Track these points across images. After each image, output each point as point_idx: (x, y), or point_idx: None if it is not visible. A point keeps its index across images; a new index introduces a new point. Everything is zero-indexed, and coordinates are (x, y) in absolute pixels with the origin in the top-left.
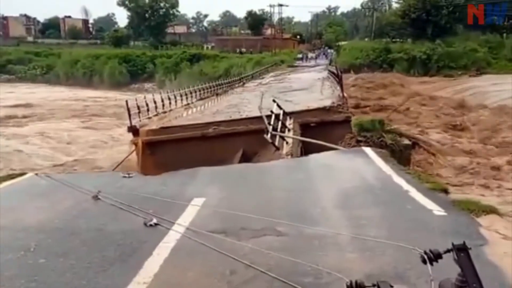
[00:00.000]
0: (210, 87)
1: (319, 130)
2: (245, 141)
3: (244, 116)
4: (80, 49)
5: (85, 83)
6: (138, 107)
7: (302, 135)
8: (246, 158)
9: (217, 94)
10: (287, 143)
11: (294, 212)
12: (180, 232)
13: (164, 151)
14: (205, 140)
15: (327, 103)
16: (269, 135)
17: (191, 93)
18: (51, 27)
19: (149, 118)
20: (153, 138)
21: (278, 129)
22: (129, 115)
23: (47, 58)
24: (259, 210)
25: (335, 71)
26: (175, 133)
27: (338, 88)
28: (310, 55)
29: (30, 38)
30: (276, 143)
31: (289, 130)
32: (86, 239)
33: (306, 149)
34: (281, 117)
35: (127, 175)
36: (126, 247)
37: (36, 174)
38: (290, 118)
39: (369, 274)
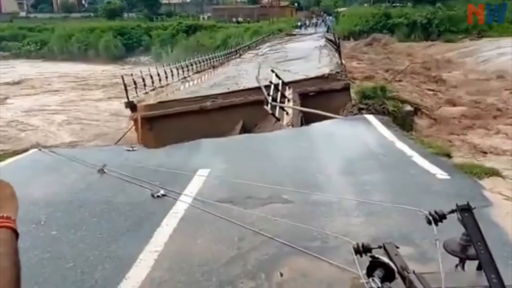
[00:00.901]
0: (206, 60)
1: (318, 99)
2: (244, 113)
3: (242, 88)
4: (73, 23)
5: (80, 58)
6: (135, 82)
7: (301, 105)
8: (246, 130)
9: (213, 67)
10: (287, 113)
11: (299, 180)
12: (187, 203)
13: (163, 125)
14: (203, 114)
15: (326, 71)
16: (269, 106)
17: (187, 66)
18: (43, 1)
19: (146, 93)
20: (151, 113)
21: (278, 100)
22: (126, 90)
23: (41, 33)
24: (265, 179)
25: (332, 39)
26: (173, 107)
27: (337, 55)
28: (308, 22)
29: (23, 14)
30: (277, 114)
31: (288, 100)
32: (95, 211)
33: (307, 119)
34: (280, 87)
35: (130, 149)
36: (135, 218)
37: (40, 149)
38: (289, 88)
39: (375, 237)
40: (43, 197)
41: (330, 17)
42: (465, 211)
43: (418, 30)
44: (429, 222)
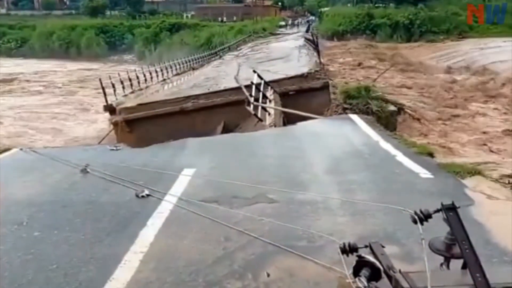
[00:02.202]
0: (186, 62)
1: (299, 98)
2: (225, 113)
3: (222, 88)
4: (55, 20)
5: (62, 55)
6: (113, 85)
7: (282, 105)
8: (228, 130)
9: (193, 69)
10: (269, 114)
11: (285, 179)
12: (172, 202)
13: (143, 128)
14: (184, 115)
15: (305, 70)
16: (251, 106)
17: (166, 68)
18: None
19: (125, 95)
20: (131, 116)
21: (260, 100)
22: (104, 94)
23: (22, 31)
24: (250, 178)
25: (311, 38)
26: (153, 109)
27: (315, 54)
28: (292, 22)
29: (3, 11)
30: (259, 114)
31: (270, 101)
32: (79, 211)
33: (288, 119)
34: (262, 87)
35: (114, 148)
36: (120, 218)
37: (21, 149)
38: (271, 88)
39: (361, 236)
40: (25, 198)
41: (313, 17)
42: (450, 210)
43: (400, 30)
44: (415, 222)
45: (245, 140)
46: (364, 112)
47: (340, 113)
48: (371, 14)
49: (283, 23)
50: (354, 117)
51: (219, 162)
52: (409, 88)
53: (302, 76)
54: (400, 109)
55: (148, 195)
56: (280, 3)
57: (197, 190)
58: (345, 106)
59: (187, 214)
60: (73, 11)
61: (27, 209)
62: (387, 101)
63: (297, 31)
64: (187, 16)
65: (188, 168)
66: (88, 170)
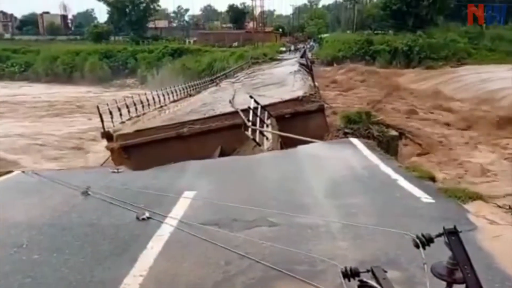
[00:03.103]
0: (183, 88)
1: (294, 121)
2: (222, 138)
3: (218, 113)
4: (59, 45)
5: (66, 80)
6: (111, 112)
7: (279, 129)
8: (225, 155)
9: (190, 95)
10: (267, 138)
11: (285, 202)
12: (173, 225)
13: (140, 154)
14: (181, 140)
15: (300, 93)
16: (249, 130)
17: (163, 95)
18: (29, 23)
19: (123, 122)
20: (128, 142)
21: (257, 124)
22: (102, 121)
23: (26, 55)
24: (251, 201)
25: (305, 63)
26: (150, 135)
27: (310, 78)
28: (293, 48)
29: (7, 35)
30: (257, 139)
31: (267, 125)
32: (79, 234)
33: (286, 143)
34: (259, 112)
35: (116, 170)
36: (120, 241)
37: (23, 171)
38: (268, 113)
39: (362, 260)
40: (26, 220)
41: (313, 43)
42: (452, 234)
43: (399, 57)
44: (417, 246)
45: (245, 163)
46: (365, 136)
47: (341, 137)
48: (371, 40)
49: (283, 48)
50: (355, 140)
51: (220, 184)
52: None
53: (297, 100)
54: (401, 134)
55: (148, 218)
56: (280, 29)
57: (198, 213)
58: (346, 130)
59: (187, 237)
60: (78, 37)
61: (27, 232)
62: (387, 126)
63: (295, 57)
64: (189, 42)
65: (189, 190)
66: (89, 192)
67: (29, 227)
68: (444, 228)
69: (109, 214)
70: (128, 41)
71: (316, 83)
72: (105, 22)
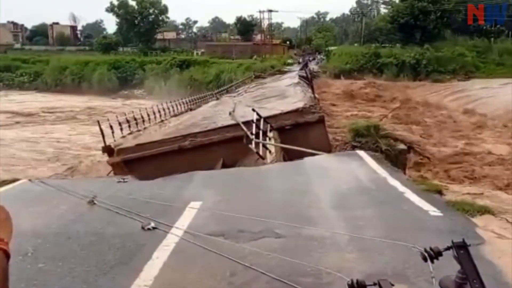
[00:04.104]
0: (183, 103)
1: (295, 132)
2: (224, 150)
3: (220, 125)
4: (68, 56)
5: (74, 90)
6: (111, 127)
7: (281, 141)
8: (227, 167)
9: (190, 109)
10: (270, 152)
11: (291, 214)
12: (178, 236)
13: (142, 168)
14: (183, 153)
15: (300, 105)
16: (253, 143)
17: (163, 110)
18: (39, 33)
19: (124, 137)
20: (129, 156)
21: (260, 137)
22: (103, 136)
23: (35, 65)
24: (257, 212)
25: (305, 75)
26: (151, 149)
27: (309, 90)
28: (300, 60)
29: (17, 45)
30: (260, 152)
31: (269, 138)
32: (84, 243)
33: (289, 155)
34: (261, 125)
35: (122, 180)
36: (125, 250)
37: (30, 180)
38: (269, 125)
39: (369, 273)
40: (31, 228)
41: (321, 56)
42: (461, 248)
43: (407, 70)
44: (425, 259)
45: (252, 174)
46: (373, 150)
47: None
48: (378, 53)
49: (291, 61)
50: (362, 153)
51: (226, 195)
52: None
53: (297, 111)
54: (410, 147)
55: (154, 228)
56: (288, 42)
57: (203, 223)
58: (354, 144)
59: (193, 248)
60: (87, 47)
61: (32, 240)
62: (396, 139)
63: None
64: (197, 53)
65: (195, 201)
66: (95, 201)
67: (34, 236)
68: (452, 241)
69: (115, 223)
70: (136, 52)
71: (317, 95)
72: (114, 33)
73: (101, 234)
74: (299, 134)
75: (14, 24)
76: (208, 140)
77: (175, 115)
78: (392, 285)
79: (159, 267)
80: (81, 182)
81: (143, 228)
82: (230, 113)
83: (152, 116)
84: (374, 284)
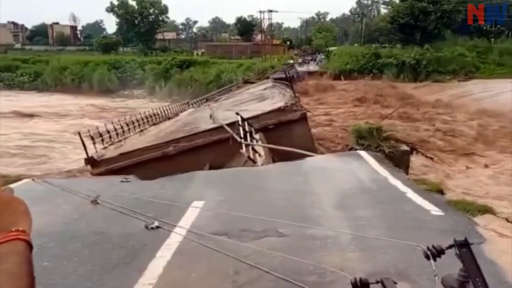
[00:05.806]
0: (160, 113)
1: (278, 131)
2: (209, 154)
3: (203, 129)
4: (68, 56)
5: (74, 90)
6: (92, 138)
7: (266, 142)
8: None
9: (168, 118)
10: (259, 155)
11: (294, 213)
12: (182, 235)
13: None
14: (168, 159)
15: (281, 104)
16: (243, 147)
17: (142, 119)
18: (39, 33)
19: (105, 148)
20: (114, 166)
21: (248, 139)
22: (85, 147)
23: (35, 65)
24: (259, 212)
25: (283, 76)
26: (135, 157)
27: (289, 90)
28: (300, 60)
29: (18, 45)
30: (251, 155)
31: (257, 140)
32: (88, 242)
33: (278, 157)
34: (246, 127)
35: (125, 180)
36: (129, 249)
37: (33, 179)
38: (255, 128)
39: (372, 272)
40: (35, 228)
41: (320, 56)
42: (463, 246)
43: (407, 70)
44: (427, 257)
45: (252, 174)
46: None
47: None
48: (378, 53)
49: (291, 61)
50: (363, 153)
51: (228, 195)
52: None
53: (279, 110)
54: (413, 148)
55: (157, 227)
56: (288, 42)
57: (207, 223)
58: (356, 147)
59: (196, 247)
60: (87, 47)
61: (36, 239)
62: (397, 140)
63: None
64: (197, 54)
65: (198, 200)
66: (99, 201)
67: (38, 235)
68: (454, 240)
69: (118, 222)
70: (136, 52)
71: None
72: (114, 33)
73: (104, 233)
74: (282, 133)
75: (14, 24)
76: (192, 144)
77: (154, 124)
78: (395, 283)
79: (163, 265)
80: (84, 181)
81: (146, 227)
82: (211, 116)
83: (131, 126)
84: (377, 282)
